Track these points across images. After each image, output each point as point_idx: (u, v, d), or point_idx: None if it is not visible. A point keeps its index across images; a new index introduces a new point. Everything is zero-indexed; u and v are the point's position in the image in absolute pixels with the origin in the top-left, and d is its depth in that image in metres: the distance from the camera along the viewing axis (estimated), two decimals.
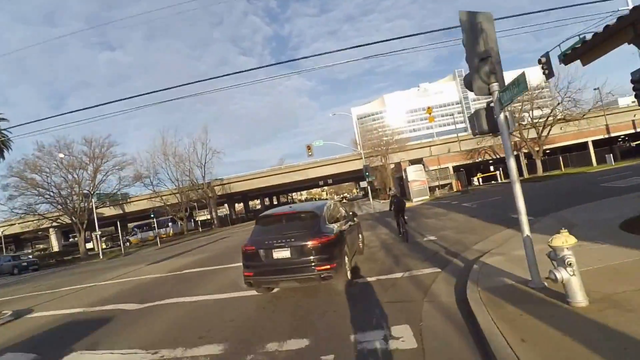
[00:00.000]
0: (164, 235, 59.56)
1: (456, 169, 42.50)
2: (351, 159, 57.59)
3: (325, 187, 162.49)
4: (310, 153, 37.90)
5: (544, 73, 20.96)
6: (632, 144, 44.48)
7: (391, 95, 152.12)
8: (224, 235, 34.77)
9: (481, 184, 45.19)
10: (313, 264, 6.84)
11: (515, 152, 41.55)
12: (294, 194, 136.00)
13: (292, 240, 7.09)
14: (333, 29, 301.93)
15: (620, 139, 46.46)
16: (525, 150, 41.80)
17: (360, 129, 73.37)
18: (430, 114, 53.92)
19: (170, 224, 60.94)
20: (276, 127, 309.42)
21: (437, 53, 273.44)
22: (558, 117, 35.52)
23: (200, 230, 62.14)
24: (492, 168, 45.36)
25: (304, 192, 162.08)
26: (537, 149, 37.36)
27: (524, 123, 37.38)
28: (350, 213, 10.62)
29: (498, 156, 42.40)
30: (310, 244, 6.96)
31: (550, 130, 37.13)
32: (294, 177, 64.10)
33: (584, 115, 34.04)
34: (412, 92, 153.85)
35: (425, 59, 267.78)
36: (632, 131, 43.57)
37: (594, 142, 42.43)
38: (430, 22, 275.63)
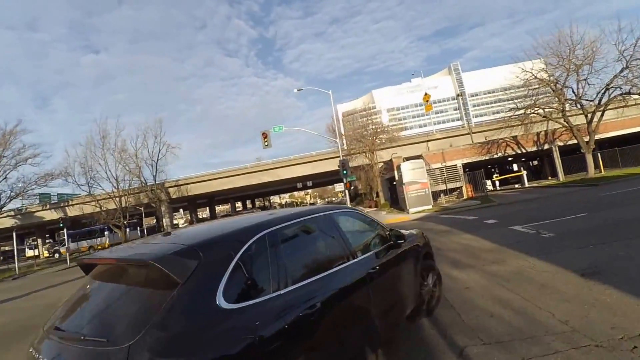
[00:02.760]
0: (99, 246, 48.64)
1: (468, 167, 31.66)
2: (330, 156, 46.65)
3: (309, 191, 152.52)
4: (266, 143, 26.91)
5: None
6: None
7: (381, 90, 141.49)
8: None
9: (498, 187, 34.39)
10: None
11: (545, 145, 30.86)
12: (274, 197, 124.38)
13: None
14: (319, 30, 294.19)
15: None
16: (561, 142, 31.07)
17: (346, 127, 61.74)
18: (427, 101, 43.59)
19: (106, 232, 49.42)
20: (263, 127, 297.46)
21: (428, 53, 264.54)
22: (620, 92, 24.78)
23: None
24: (515, 166, 34.57)
25: (285, 196, 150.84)
26: (586, 139, 26.62)
27: (569, 100, 26.66)
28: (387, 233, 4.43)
29: (524, 150, 31.63)
30: None
31: (603, 112, 26.42)
32: (263, 178, 53.05)
33: None
34: (404, 87, 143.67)
35: (416, 59, 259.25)
36: None
37: None
38: (419, 22, 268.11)
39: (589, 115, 26.60)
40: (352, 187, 65.40)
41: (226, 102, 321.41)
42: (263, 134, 26.83)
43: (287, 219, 3.25)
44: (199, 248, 2.51)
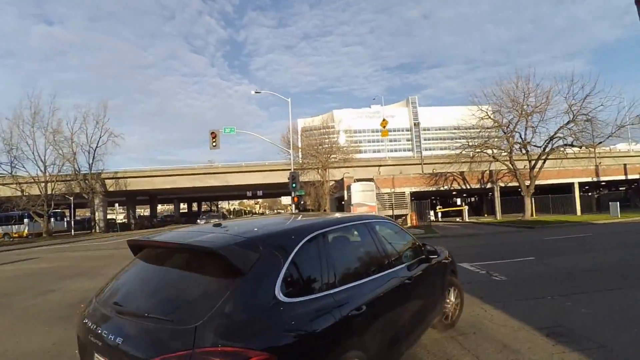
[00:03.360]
0: (16, 235, 43.10)
1: (414, 196, 31.45)
2: (282, 167, 45.11)
3: (260, 200, 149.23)
4: (214, 143, 24.93)
5: None
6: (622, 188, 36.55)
7: (341, 111, 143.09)
8: (91, 246, 21.63)
9: (440, 219, 34.47)
10: None
11: (488, 184, 31.43)
12: (222, 202, 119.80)
13: (116, 338, 2.26)
14: (290, 43, 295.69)
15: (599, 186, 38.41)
16: (502, 183, 31.83)
17: (303, 141, 60.42)
18: (384, 127, 43.78)
19: (26, 220, 43.92)
20: (226, 134, 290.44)
21: (390, 83, 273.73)
22: (563, 144, 25.59)
23: (73, 233, 45.71)
24: (458, 201, 34.95)
25: (235, 202, 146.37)
26: (527, 183, 27.24)
27: (516, 146, 27.21)
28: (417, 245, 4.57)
29: (469, 186, 32.02)
30: None
31: (545, 160, 27.24)
32: (210, 182, 50.34)
33: (599, 143, 24.47)
34: (364, 112, 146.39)
35: (378, 87, 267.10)
36: (623, 177, 35.55)
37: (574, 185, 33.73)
38: (386, 53, 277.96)
39: (532, 162, 27.34)
40: (301, 202, 64.13)
41: (185, 99, 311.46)
42: (212, 133, 24.87)
43: (333, 222, 3.38)
44: (259, 242, 2.61)
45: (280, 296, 2.35)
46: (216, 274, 2.40)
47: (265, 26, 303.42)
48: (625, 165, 36.18)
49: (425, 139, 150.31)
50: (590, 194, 37.87)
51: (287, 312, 2.34)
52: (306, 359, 2.36)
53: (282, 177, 45.84)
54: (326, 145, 33.99)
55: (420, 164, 42.96)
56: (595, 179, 34.64)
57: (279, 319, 2.29)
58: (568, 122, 24.44)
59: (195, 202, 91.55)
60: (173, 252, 2.82)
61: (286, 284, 2.44)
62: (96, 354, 2.39)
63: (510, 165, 27.50)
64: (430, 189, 31.66)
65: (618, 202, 26.67)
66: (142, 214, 79.19)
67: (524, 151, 27.46)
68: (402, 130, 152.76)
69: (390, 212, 27.29)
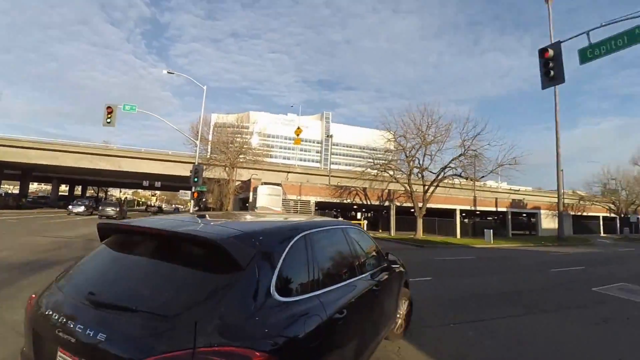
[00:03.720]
0: None
1: (318, 205, 31.45)
2: (187, 160, 41.91)
3: (157, 192, 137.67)
4: (109, 119, 21.62)
5: (546, 74, 11.18)
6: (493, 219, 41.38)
7: (258, 113, 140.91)
8: None
9: None
10: None
11: (386, 202, 32.90)
12: (113, 189, 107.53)
13: (96, 334, 1.91)
14: (217, 37, 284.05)
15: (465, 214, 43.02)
16: (398, 203, 33.63)
17: (215, 137, 57.17)
18: (298, 135, 43.50)
19: None
20: (125, 112, 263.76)
21: (308, 96, 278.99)
22: (453, 174, 28.00)
23: None
24: (359, 215, 35.93)
25: (128, 191, 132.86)
26: (420, 205, 29.05)
27: (415, 170, 28.88)
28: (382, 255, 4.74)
29: (369, 202, 33.13)
30: None
31: (437, 186, 29.47)
32: (100, 164, 44.51)
33: (481, 177, 27.29)
34: (280, 118, 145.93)
35: (297, 97, 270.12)
36: (494, 209, 40.36)
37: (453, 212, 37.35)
38: (308, 67, 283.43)
39: (426, 186, 29.34)
40: (202, 199, 60.32)
41: (89, 71, 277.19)
42: (108, 107, 21.52)
43: (317, 224, 3.29)
44: (256, 237, 2.45)
45: (275, 295, 2.26)
46: (213, 267, 2.23)
47: (193, 14, 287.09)
48: (496, 199, 41.22)
49: (333, 153, 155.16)
50: (467, 220, 42.13)
51: (282, 311, 2.25)
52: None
53: (185, 170, 42.47)
54: (237, 144, 32.25)
55: (327, 175, 43.53)
56: (473, 208, 38.70)
57: (276, 319, 2.20)
58: (460, 155, 26.85)
59: (80, 185, 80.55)
60: (159, 240, 2.49)
61: (280, 283, 2.34)
62: (62, 351, 2.07)
63: (408, 187, 29.11)
64: (335, 200, 32.01)
65: (491, 230, 29.98)
66: (10, 191, 66.73)
67: (419, 176, 29.35)
68: (313, 142, 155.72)
69: None
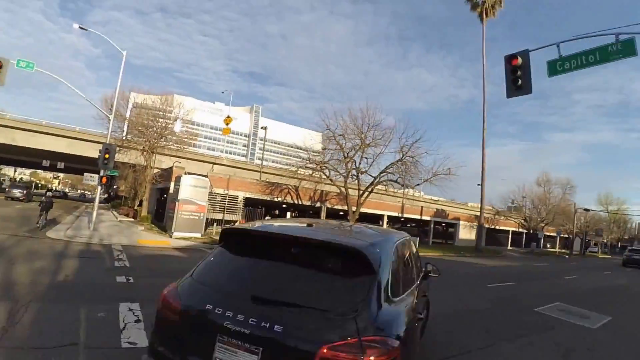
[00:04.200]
0: None
1: (246, 202, 29.08)
2: (97, 139, 36.60)
3: (60, 175, 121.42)
4: None
5: (514, 82, 10.58)
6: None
7: (183, 98, 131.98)
8: None
9: None
10: None
11: (318, 203, 31.70)
12: (4, 167, 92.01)
13: (272, 327, 2.31)
14: (142, 9, 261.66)
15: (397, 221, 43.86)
16: (330, 205, 32.63)
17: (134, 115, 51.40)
18: (228, 124, 40.65)
19: None
20: (26, 77, 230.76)
21: (238, 87, 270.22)
22: (388, 179, 27.53)
23: None
24: (288, 215, 34.15)
25: (25, 171, 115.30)
26: (354, 208, 28.21)
27: (353, 172, 27.87)
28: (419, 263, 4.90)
29: (300, 202, 31.60)
30: (325, 355, 2.17)
31: (371, 191, 28.91)
32: None
33: (416, 184, 27.22)
34: (206, 106, 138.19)
35: (226, 87, 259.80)
36: (418, 217, 41.49)
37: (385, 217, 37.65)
38: (240, 57, 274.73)
39: (361, 190, 28.65)
40: (113, 187, 53.66)
41: None
42: None
43: (399, 235, 3.89)
44: (378, 246, 2.93)
45: (390, 295, 2.70)
46: (352, 271, 2.66)
47: None
48: (422, 207, 42.44)
49: (261, 149, 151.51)
50: (394, 226, 42.77)
51: (396, 307, 2.74)
52: (411, 350, 2.86)
53: (95, 151, 36.87)
54: (159, 126, 28.35)
55: (255, 170, 41.19)
56: (400, 215, 39.29)
57: (395, 314, 2.66)
58: (398, 161, 26.51)
59: None
60: (292, 245, 2.86)
61: (390, 285, 2.75)
62: (222, 339, 2.39)
63: (344, 189, 28.16)
64: (264, 197, 29.88)
65: (418, 238, 30.26)
66: None
67: (355, 178, 28.54)
68: (241, 135, 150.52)
69: (220, 216, 24.09)
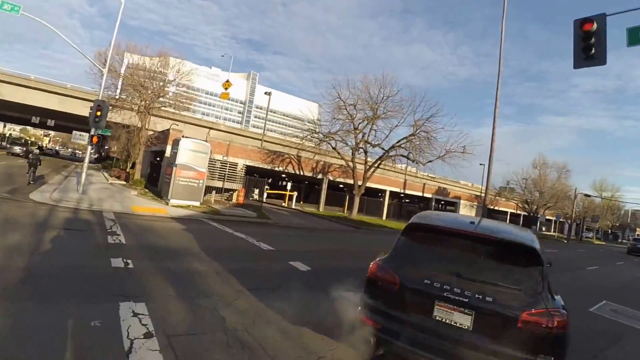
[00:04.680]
0: None
1: (248, 170, 27.42)
2: (89, 96, 34.14)
3: (51, 133, 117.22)
4: None
5: (585, 50, 8.90)
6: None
7: (180, 61, 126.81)
8: None
9: (264, 200, 31.50)
10: None
11: (320, 175, 30.22)
12: None
13: (484, 297, 3.30)
14: None
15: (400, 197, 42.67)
16: (332, 177, 31.17)
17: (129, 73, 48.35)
18: (227, 88, 38.38)
19: None
20: (14, 32, 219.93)
21: (235, 53, 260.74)
22: (396, 154, 25.78)
23: None
24: (289, 185, 32.61)
25: (15, 127, 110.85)
26: (359, 183, 26.69)
27: (366, 143, 26.06)
28: None
29: (302, 173, 30.02)
30: (527, 319, 3.16)
31: (379, 166, 27.29)
32: None
33: (428, 161, 25.47)
34: (203, 70, 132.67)
35: (222, 53, 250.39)
36: (420, 194, 40.33)
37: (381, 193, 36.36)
38: (239, 23, 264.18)
39: (369, 164, 27.07)
40: (104, 147, 51.26)
41: None
42: None
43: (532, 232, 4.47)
44: (537, 243, 3.70)
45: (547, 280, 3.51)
46: (525, 261, 3.49)
47: None
48: (424, 184, 41.16)
49: (257, 117, 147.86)
50: (395, 202, 41.63)
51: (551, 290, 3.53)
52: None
53: (86, 109, 34.49)
54: (157, 85, 25.97)
55: (258, 138, 39.27)
56: (402, 191, 38.01)
57: (557, 295, 3.61)
58: (411, 135, 24.79)
59: None
60: (471, 239, 3.68)
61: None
62: (439, 304, 3.40)
63: (351, 162, 26.57)
64: (265, 166, 28.19)
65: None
66: None
67: (363, 152, 26.87)
68: (237, 102, 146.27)
69: (219, 184, 22.48)
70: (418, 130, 24.42)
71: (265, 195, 29.20)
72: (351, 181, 32.31)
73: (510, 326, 3.13)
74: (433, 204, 42.53)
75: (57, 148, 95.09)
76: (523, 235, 3.77)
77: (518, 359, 3.08)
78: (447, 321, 3.32)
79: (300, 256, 9.61)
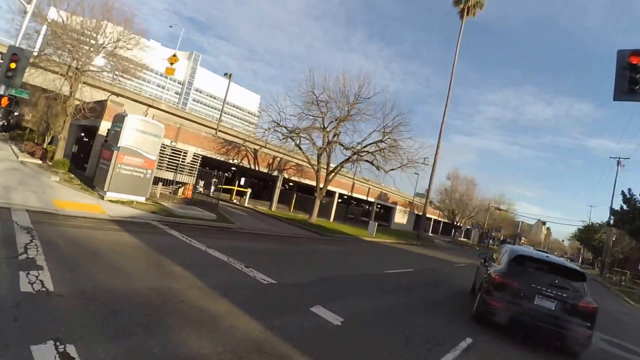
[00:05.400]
0: None
1: (197, 160, 22.98)
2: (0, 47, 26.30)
3: None
4: None
5: (631, 83, 7.10)
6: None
7: (114, 27, 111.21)
8: None
9: (211, 194, 27.20)
10: (578, 326, 6.22)
11: (275, 172, 27.01)
12: None
13: (561, 294, 6.50)
14: None
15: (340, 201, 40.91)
16: (286, 175, 28.08)
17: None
18: (172, 64, 33.24)
19: None
20: None
21: (175, 32, 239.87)
22: (365, 159, 23.34)
23: None
24: (243, 181, 28.62)
25: None
26: (321, 185, 23.84)
27: (334, 145, 23.10)
28: None
29: (258, 168, 26.37)
30: (581, 305, 6.37)
31: (341, 168, 24.66)
32: None
33: (390, 169, 23.42)
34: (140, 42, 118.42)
35: (162, 29, 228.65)
36: (365, 197, 38.96)
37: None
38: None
39: (331, 166, 24.39)
40: (14, 113, 41.31)
41: None
42: None
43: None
44: (581, 270, 7.21)
45: None
46: (579, 279, 6.84)
47: None
48: (369, 189, 39.83)
49: (194, 100, 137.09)
50: (340, 204, 39.73)
51: None
52: None
53: None
54: (95, 41, 19.83)
55: (208, 125, 34.35)
56: (349, 193, 36.20)
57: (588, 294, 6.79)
58: (379, 141, 22.60)
59: None
60: (555, 267, 7.03)
61: None
62: (539, 296, 6.45)
63: (316, 162, 23.68)
64: (218, 157, 23.97)
65: (376, 223, 27.35)
66: None
67: (327, 152, 24.03)
68: (174, 82, 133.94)
69: (169, 176, 18.07)
70: (386, 137, 22.39)
71: (212, 189, 24.90)
72: (305, 180, 29.54)
73: (573, 308, 6.31)
74: (375, 208, 41.54)
75: None
76: (575, 265, 7.79)
77: (577, 324, 6.19)
78: (541, 305, 6.38)
79: (312, 294, 6.88)
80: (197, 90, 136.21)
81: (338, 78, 22.64)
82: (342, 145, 22.96)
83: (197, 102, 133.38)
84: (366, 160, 23.60)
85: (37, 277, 4.57)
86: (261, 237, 14.29)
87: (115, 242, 7.84)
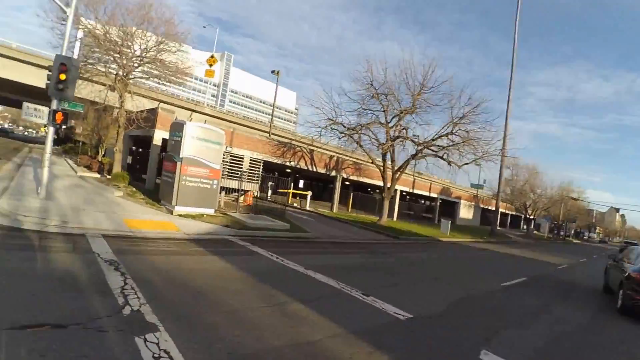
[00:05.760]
0: None
1: (254, 165, 22.14)
2: (44, 62, 27.12)
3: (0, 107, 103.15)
4: None
5: None
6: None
7: (151, 29, 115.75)
8: None
9: (269, 198, 26.40)
10: None
11: (333, 172, 25.73)
12: None
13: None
14: None
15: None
16: (345, 175, 26.69)
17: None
18: (211, 65, 33.31)
19: None
20: None
21: (202, 34, 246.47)
22: (434, 154, 21.29)
23: None
24: (301, 183, 27.71)
25: None
26: (388, 185, 22.18)
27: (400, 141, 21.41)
28: None
29: (315, 169, 25.22)
30: None
31: (407, 165, 22.62)
32: None
33: (463, 164, 21.15)
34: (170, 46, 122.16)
35: (185, 27, 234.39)
36: (427, 193, 36.86)
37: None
38: None
39: (398, 163, 22.59)
40: (65, 126, 43.28)
41: None
42: None
43: None
44: None
45: None
46: None
47: None
48: (431, 184, 37.57)
49: (230, 102, 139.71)
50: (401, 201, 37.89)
51: None
52: None
53: (38, 79, 27.63)
54: (139, 46, 18.85)
55: (257, 128, 33.78)
56: (410, 190, 34.26)
57: None
58: (449, 134, 20.46)
59: None
60: None
61: None
62: (625, 281, 8.50)
63: (381, 161, 22.15)
64: (274, 160, 23.04)
65: (449, 222, 25.31)
66: None
67: (391, 149, 22.23)
68: (210, 84, 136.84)
69: (234, 184, 17.31)
70: (456, 129, 20.26)
71: (270, 192, 24.06)
72: (364, 179, 28.19)
73: None
74: (439, 203, 39.23)
75: (6, 126, 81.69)
76: None
77: None
78: None
79: (462, 331, 5.43)
80: (232, 91, 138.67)
81: (400, 66, 20.75)
82: (412, 141, 21.07)
83: (234, 103, 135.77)
84: (436, 155, 21.59)
85: (157, 344, 3.44)
86: (343, 247, 13.17)
87: (209, 271, 6.80)
